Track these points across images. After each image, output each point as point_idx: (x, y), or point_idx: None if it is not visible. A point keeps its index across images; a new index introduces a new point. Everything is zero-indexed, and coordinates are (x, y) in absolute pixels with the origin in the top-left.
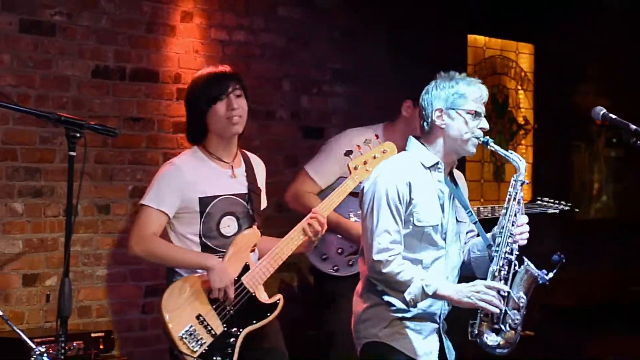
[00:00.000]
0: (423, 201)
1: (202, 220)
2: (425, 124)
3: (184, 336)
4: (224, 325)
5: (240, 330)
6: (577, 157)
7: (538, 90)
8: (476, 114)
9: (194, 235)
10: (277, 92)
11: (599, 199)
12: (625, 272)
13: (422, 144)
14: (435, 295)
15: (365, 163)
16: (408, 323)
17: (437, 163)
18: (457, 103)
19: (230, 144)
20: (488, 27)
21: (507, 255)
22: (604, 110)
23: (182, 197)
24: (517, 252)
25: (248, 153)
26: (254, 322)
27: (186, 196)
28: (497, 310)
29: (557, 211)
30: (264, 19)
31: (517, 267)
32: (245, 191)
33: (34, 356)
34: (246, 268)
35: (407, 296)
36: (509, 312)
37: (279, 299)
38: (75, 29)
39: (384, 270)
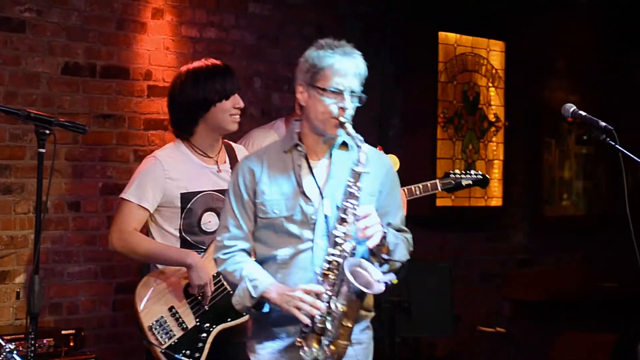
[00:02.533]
0: (271, 190)
1: (183, 215)
2: (297, 102)
3: (153, 326)
4: (197, 320)
5: (214, 326)
6: (548, 154)
7: (509, 88)
8: (335, 92)
9: (174, 229)
10: (247, 89)
11: (569, 195)
12: (594, 268)
13: (298, 124)
14: (263, 298)
15: None
16: (263, 329)
17: (296, 145)
18: (315, 79)
19: (218, 139)
20: (459, 25)
21: (335, 257)
22: (574, 108)
23: (163, 192)
24: (349, 253)
25: (232, 144)
26: (229, 319)
27: (167, 191)
28: (307, 320)
29: (470, 182)
30: (234, 16)
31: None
32: None
33: (4, 354)
34: None
35: (233, 299)
36: (327, 322)
37: (382, 289)
38: (45, 26)
39: (219, 269)
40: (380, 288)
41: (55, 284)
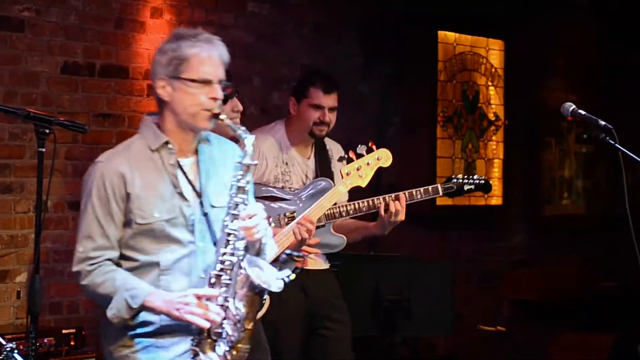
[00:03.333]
0: (147, 193)
1: None
2: (155, 97)
3: None
4: None
5: None
6: (548, 153)
7: (508, 87)
8: (204, 81)
9: None
10: (247, 89)
11: (568, 194)
12: (594, 267)
13: (153, 120)
14: (144, 308)
15: (358, 169)
16: (148, 341)
17: (166, 143)
18: (179, 70)
19: None
20: (458, 24)
21: (227, 257)
22: (574, 107)
23: None
24: (242, 251)
25: None
26: None
27: None
28: (207, 325)
29: (472, 187)
30: (233, 15)
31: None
32: None
33: (4, 353)
34: None
35: (109, 312)
36: (226, 326)
37: (265, 298)
38: (44, 25)
39: (83, 283)
40: (279, 285)
41: (56, 283)
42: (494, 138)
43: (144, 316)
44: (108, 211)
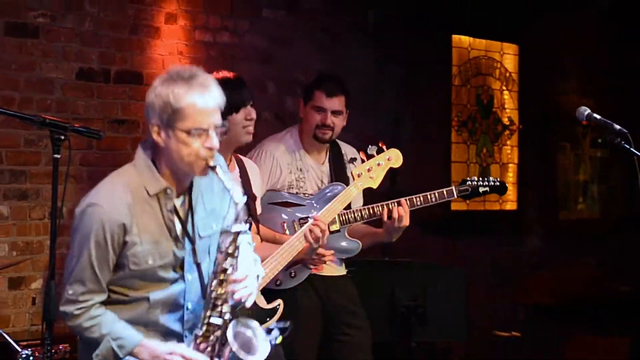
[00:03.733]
0: (144, 240)
1: None
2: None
3: None
4: None
5: None
6: (563, 158)
7: (523, 91)
8: (200, 131)
9: None
10: (261, 94)
11: (584, 199)
12: (609, 271)
13: (147, 154)
14: (132, 357)
15: (369, 170)
16: None
17: (165, 189)
18: (173, 119)
19: (229, 150)
20: (473, 28)
21: (214, 319)
22: (589, 111)
23: None
24: (228, 313)
25: (242, 157)
26: None
27: None
28: None
29: (488, 189)
30: (248, 21)
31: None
32: None
33: (20, 359)
34: None
35: (95, 358)
36: None
37: (279, 304)
38: (59, 31)
39: (70, 324)
40: (265, 352)
41: None
42: (508, 142)
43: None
44: (104, 258)
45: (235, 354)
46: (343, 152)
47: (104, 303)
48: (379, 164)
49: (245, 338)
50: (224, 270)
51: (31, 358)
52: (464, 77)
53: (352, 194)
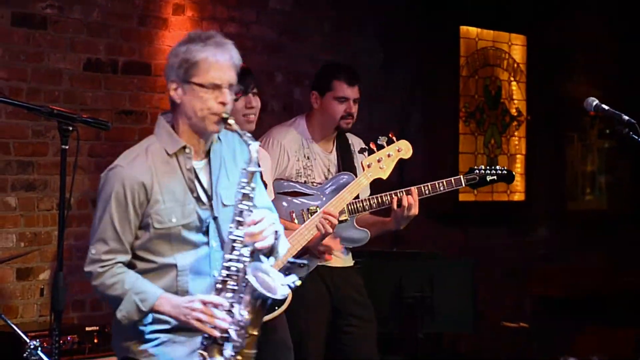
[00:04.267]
0: (166, 199)
1: None
2: (169, 98)
3: None
4: None
5: None
6: (570, 149)
7: (531, 82)
8: (213, 86)
9: None
10: (269, 85)
11: (591, 190)
12: (617, 263)
13: (168, 121)
14: (154, 311)
15: (379, 161)
16: (165, 336)
17: (183, 147)
18: (189, 74)
19: None
20: (480, 19)
21: (232, 262)
22: (597, 101)
23: None
24: (248, 257)
25: None
26: None
27: None
28: (214, 333)
29: (495, 177)
30: (255, 12)
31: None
32: None
33: (28, 350)
34: None
35: (118, 314)
36: (231, 332)
37: (287, 293)
38: (67, 22)
39: (94, 283)
40: (284, 292)
41: (79, 280)
42: (516, 133)
43: (149, 318)
44: (125, 217)
45: (253, 299)
46: (350, 142)
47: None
48: (389, 155)
49: (264, 281)
50: (241, 212)
51: (39, 349)
52: (472, 68)
53: (362, 185)
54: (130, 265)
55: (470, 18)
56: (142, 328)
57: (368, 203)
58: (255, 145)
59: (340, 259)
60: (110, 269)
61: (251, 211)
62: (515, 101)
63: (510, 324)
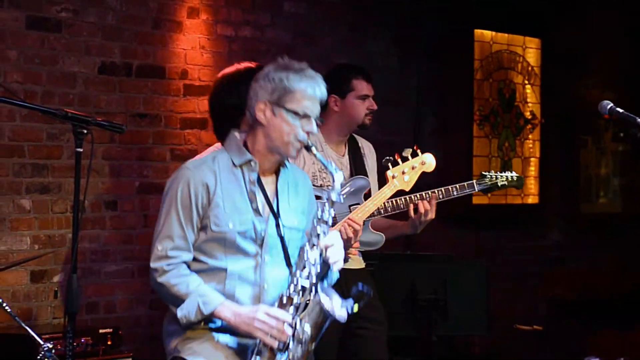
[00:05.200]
0: (226, 204)
1: None
2: (249, 114)
3: None
4: None
5: None
6: (584, 152)
7: (545, 85)
8: (304, 115)
9: None
10: None
11: (605, 193)
12: (631, 266)
13: (241, 137)
14: (214, 316)
15: (403, 173)
16: (215, 335)
17: (249, 161)
18: (284, 100)
19: None
20: (495, 22)
21: (302, 280)
22: (611, 104)
23: None
24: (317, 279)
25: None
26: None
27: None
28: (275, 344)
29: (506, 182)
30: (270, 15)
31: (315, 295)
32: None
33: (42, 352)
34: None
35: (179, 312)
36: (290, 345)
37: (345, 316)
38: (82, 26)
39: (159, 280)
40: (344, 316)
41: (93, 283)
42: (530, 136)
43: (216, 322)
44: (189, 216)
45: (318, 317)
46: (360, 145)
47: None
48: (413, 168)
49: (327, 301)
50: (317, 235)
51: (53, 351)
52: (486, 71)
53: (386, 196)
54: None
55: (484, 21)
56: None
57: (383, 207)
58: (340, 175)
59: (353, 262)
60: (176, 269)
61: (325, 235)
62: (530, 104)
63: (523, 326)
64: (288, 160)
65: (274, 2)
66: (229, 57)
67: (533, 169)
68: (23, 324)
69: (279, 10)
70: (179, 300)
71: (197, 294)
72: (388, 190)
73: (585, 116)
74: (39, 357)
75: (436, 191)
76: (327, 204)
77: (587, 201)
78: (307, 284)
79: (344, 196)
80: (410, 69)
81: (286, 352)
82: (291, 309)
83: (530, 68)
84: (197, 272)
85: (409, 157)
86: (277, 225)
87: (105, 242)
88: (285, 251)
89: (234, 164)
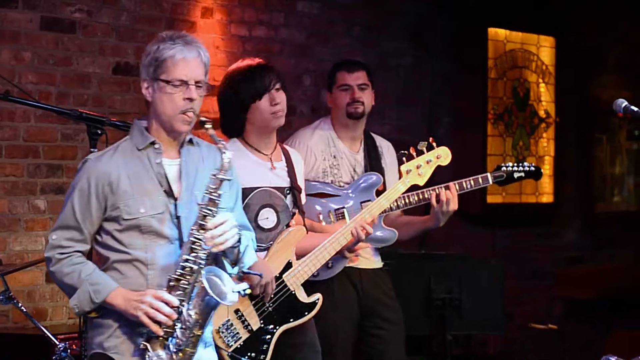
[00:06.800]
0: (135, 191)
1: None
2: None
3: (220, 330)
4: (261, 321)
5: (277, 327)
6: (599, 150)
7: (559, 84)
8: (180, 83)
9: None
10: (297, 88)
11: (620, 191)
12: None
13: (143, 121)
14: (106, 304)
15: (418, 167)
16: (130, 331)
17: (152, 143)
18: (158, 72)
19: (271, 137)
20: (509, 21)
21: (189, 263)
22: (626, 103)
23: None
24: (204, 260)
25: (287, 148)
26: (291, 320)
27: None
28: (158, 329)
29: (523, 174)
30: (283, 15)
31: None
32: (285, 185)
33: (58, 353)
34: (288, 265)
35: (71, 302)
36: (177, 329)
37: (318, 298)
38: (96, 26)
39: (52, 269)
40: (233, 299)
41: None
42: (544, 135)
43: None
44: (87, 206)
45: (202, 301)
46: (378, 144)
47: (107, 269)
48: (428, 162)
49: (216, 285)
50: (205, 216)
51: (68, 351)
52: (500, 70)
53: (400, 191)
54: (104, 257)
55: (498, 20)
56: (112, 323)
57: (395, 203)
58: (228, 154)
59: (369, 261)
60: (69, 257)
61: (214, 216)
62: (544, 103)
63: (539, 325)
64: (194, 138)
65: (288, 2)
66: (243, 56)
67: (548, 168)
68: (38, 324)
69: (292, 10)
70: (72, 290)
71: (89, 282)
72: (402, 185)
73: (599, 115)
74: (54, 358)
75: (450, 185)
76: (216, 183)
77: (602, 200)
78: (194, 267)
79: (354, 194)
80: (424, 68)
81: (173, 338)
82: (178, 292)
83: (544, 67)
84: (119, 263)
85: (425, 151)
86: (175, 208)
87: None
88: (181, 237)
89: (137, 148)
